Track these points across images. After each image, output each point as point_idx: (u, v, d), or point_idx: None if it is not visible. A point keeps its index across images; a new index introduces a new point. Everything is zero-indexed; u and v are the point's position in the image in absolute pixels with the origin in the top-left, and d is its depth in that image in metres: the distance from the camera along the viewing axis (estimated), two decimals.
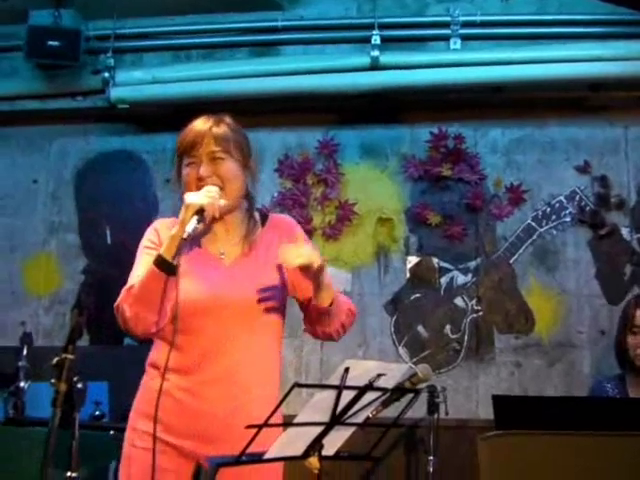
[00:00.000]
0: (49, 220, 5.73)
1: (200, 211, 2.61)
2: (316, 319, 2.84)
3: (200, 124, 2.82)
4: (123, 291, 2.65)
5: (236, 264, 2.81)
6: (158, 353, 2.75)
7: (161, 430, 2.62)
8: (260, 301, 2.75)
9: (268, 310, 2.79)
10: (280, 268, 2.82)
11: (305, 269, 2.64)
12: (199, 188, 2.71)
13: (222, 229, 2.84)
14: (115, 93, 5.36)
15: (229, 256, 2.80)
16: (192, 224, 2.59)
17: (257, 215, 2.95)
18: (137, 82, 5.40)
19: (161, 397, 2.60)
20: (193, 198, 2.64)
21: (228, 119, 2.88)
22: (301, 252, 2.65)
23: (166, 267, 2.58)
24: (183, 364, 2.68)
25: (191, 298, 2.66)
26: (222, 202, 2.70)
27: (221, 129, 2.81)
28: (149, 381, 2.76)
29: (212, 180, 2.73)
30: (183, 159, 2.81)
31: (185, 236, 2.57)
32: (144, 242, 2.83)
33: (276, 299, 2.81)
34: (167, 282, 2.59)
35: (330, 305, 2.77)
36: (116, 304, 2.65)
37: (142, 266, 2.71)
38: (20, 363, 4.43)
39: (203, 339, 2.68)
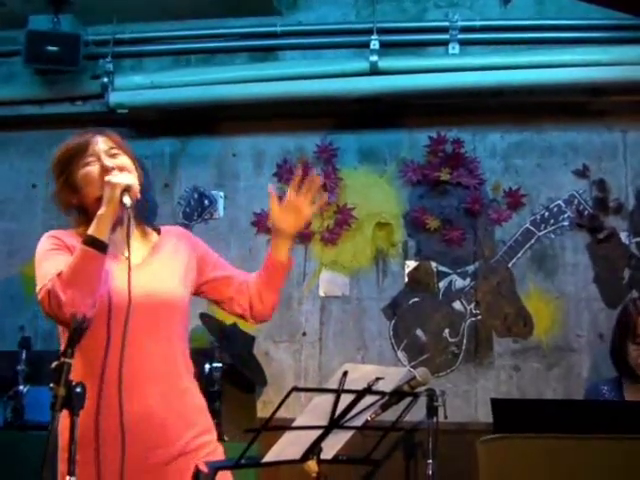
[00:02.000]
0: (48, 225, 5.67)
1: (127, 189, 2.63)
2: (266, 286, 2.96)
3: (82, 134, 2.85)
4: (51, 278, 2.54)
5: (145, 262, 2.79)
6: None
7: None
8: (179, 296, 2.77)
9: (184, 304, 2.81)
10: (194, 267, 2.90)
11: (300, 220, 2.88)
12: (103, 181, 2.69)
13: (120, 228, 2.75)
14: (114, 98, 5.37)
15: (134, 255, 2.70)
16: (128, 199, 2.61)
17: (146, 225, 2.95)
18: (136, 87, 5.41)
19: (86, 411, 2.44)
20: (117, 178, 2.65)
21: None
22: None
23: (99, 245, 2.55)
24: (100, 369, 2.61)
25: (114, 297, 2.63)
26: (138, 185, 2.72)
27: (109, 134, 2.85)
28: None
29: (115, 171, 2.72)
30: (75, 163, 2.78)
31: (129, 205, 2.60)
32: (45, 247, 2.75)
33: (188, 294, 2.84)
34: (102, 260, 2.57)
35: (286, 264, 2.97)
36: (44, 291, 2.54)
37: (57, 263, 2.62)
38: (19, 367, 4.45)
39: (118, 338, 2.59)
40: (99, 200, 2.65)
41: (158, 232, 2.95)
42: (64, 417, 2.33)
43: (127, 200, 2.61)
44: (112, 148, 2.79)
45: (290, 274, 5.23)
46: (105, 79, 5.37)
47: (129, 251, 2.62)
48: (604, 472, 2.45)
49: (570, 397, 4.91)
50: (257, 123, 5.50)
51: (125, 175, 2.69)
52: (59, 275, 2.54)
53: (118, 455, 2.49)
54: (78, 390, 2.19)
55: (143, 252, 2.83)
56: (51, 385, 2.20)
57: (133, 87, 5.41)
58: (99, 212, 2.61)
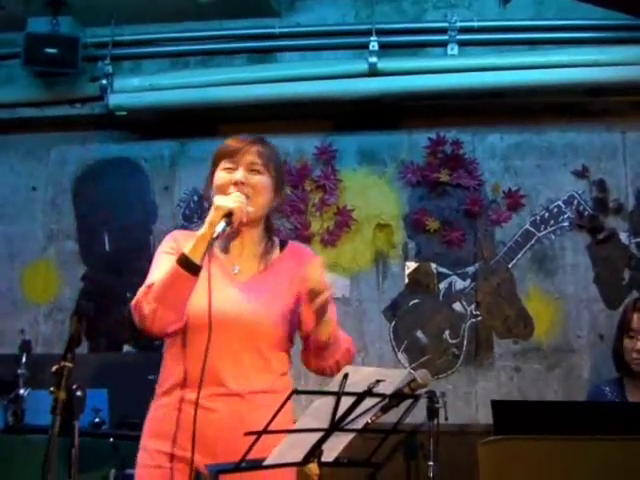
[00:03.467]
0: (48, 227, 5.74)
1: (229, 214, 2.64)
2: (313, 352, 2.86)
3: (244, 138, 2.89)
4: (142, 288, 2.66)
5: (251, 281, 2.82)
6: (166, 370, 2.79)
7: (172, 446, 2.64)
8: (270, 323, 2.77)
9: (276, 333, 2.80)
10: (296, 296, 2.83)
11: (314, 296, 2.65)
12: (228, 192, 2.75)
13: (238, 244, 2.86)
14: (113, 100, 5.37)
15: (244, 272, 2.82)
16: (221, 225, 2.62)
17: (276, 240, 2.98)
18: (135, 89, 5.41)
19: (172, 413, 2.66)
20: (222, 201, 2.67)
21: (271, 144, 2.95)
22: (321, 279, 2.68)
23: (190, 267, 2.59)
24: (191, 378, 2.68)
25: (201, 311, 2.66)
26: (250, 209, 2.74)
27: (266, 147, 2.89)
28: (158, 399, 2.78)
29: (243, 188, 2.76)
30: (220, 163, 2.85)
31: (215, 235, 2.61)
32: (163, 248, 2.85)
33: (285, 325, 2.82)
34: (192, 282, 2.61)
35: (327, 339, 2.77)
36: (134, 301, 2.65)
37: (161, 268, 2.71)
38: (19, 371, 4.43)
39: (210, 353, 2.63)
40: None
41: (282, 247, 2.97)
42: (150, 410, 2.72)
43: (220, 227, 2.62)
44: (257, 164, 2.82)
45: None
46: (104, 81, 5.37)
47: (209, 276, 2.65)
48: (605, 473, 2.45)
49: (571, 398, 4.91)
50: (256, 125, 5.47)
51: (234, 198, 2.70)
52: (149, 287, 2.63)
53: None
54: (78, 394, 2.18)
55: (251, 271, 2.85)
56: (51, 389, 2.20)
57: (132, 89, 5.41)
58: (199, 232, 2.64)
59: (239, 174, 2.78)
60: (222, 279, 2.75)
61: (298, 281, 2.80)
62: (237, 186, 2.76)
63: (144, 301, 2.61)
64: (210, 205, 2.77)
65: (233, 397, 2.70)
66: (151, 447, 2.73)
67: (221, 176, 2.82)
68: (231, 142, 2.88)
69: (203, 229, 2.63)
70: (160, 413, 2.74)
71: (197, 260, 2.60)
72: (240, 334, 2.71)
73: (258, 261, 2.88)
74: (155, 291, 2.61)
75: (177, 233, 2.93)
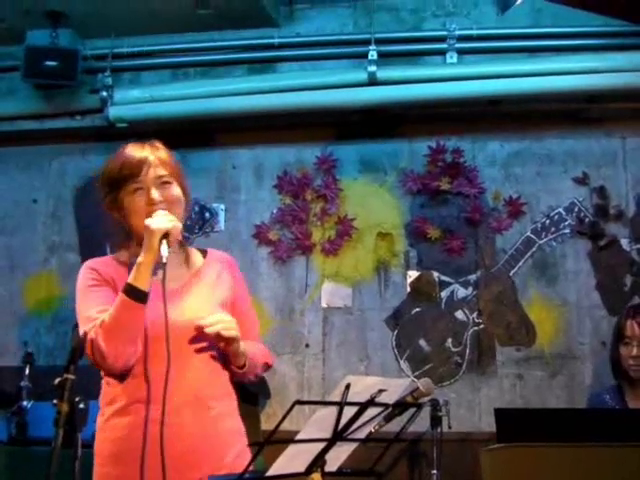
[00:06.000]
0: (49, 239, 5.74)
1: (166, 235, 2.57)
2: (233, 370, 2.80)
3: (138, 149, 2.77)
4: (94, 327, 2.54)
5: (185, 288, 2.77)
6: (113, 388, 2.69)
7: (141, 469, 2.56)
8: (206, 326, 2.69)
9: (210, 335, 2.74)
10: (228, 300, 2.83)
11: (219, 337, 2.62)
12: (148, 214, 2.64)
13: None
14: (113, 112, 5.38)
15: (174, 281, 2.71)
16: (165, 248, 2.55)
17: (192, 248, 2.94)
18: (135, 101, 5.42)
19: (135, 432, 2.58)
20: (156, 223, 2.58)
21: (160, 144, 2.85)
22: (221, 319, 2.65)
23: (139, 296, 2.53)
24: (144, 394, 2.62)
25: (146, 325, 2.60)
26: (179, 226, 2.66)
27: (163, 154, 2.79)
28: (112, 419, 2.68)
29: (161, 205, 2.67)
30: (124, 186, 2.71)
31: (165, 260, 2.53)
32: (85, 282, 2.72)
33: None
34: (143, 311, 2.55)
35: (242, 367, 2.76)
36: (88, 340, 2.53)
37: (97, 302, 2.63)
38: (22, 383, 4.43)
39: (161, 365, 2.55)
40: (141, 227, 2.62)
41: (204, 254, 2.92)
42: (101, 430, 2.62)
43: (164, 251, 2.55)
44: (163, 176, 2.72)
45: (292, 285, 5.28)
46: (104, 93, 5.39)
47: (164, 298, 2.53)
48: None
49: (573, 405, 4.91)
50: (256, 135, 5.50)
51: (165, 217, 2.61)
52: (101, 325, 2.53)
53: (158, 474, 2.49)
54: (81, 406, 2.18)
55: (184, 278, 2.80)
56: (54, 401, 2.20)
57: (132, 101, 5.42)
58: (138, 259, 2.57)
59: (154, 193, 2.68)
60: (155, 289, 2.62)
61: (232, 284, 2.86)
62: (154, 205, 2.66)
63: (99, 340, 2.51)
64: (123, 226, 2.74)
65: (198, 406, 2.65)
66: (114, 474, 2.63)
67: (134, 200, 2.69)
68: (126, 161, 2.73)
69: (143, 256, 2.56)
70: (120, 434, 2.63)
71: (144, 287, 2.54)
72: (191, 340, 2.65)
73: (184, 269, 2.82)
74: (108, 328, 2.52)
75: (91, 263, 2.78)
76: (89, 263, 2.80)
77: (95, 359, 2.56)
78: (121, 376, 2.65)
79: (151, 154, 2.75)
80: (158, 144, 2.84)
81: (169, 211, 2.66)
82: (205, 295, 2.78)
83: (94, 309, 2.61)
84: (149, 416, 2.58)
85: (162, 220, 2.60)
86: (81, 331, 2.58)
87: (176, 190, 2.75)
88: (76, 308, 2.71)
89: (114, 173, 2.74)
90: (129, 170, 2.71)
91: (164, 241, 2.57)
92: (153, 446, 2.53)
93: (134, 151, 2.77)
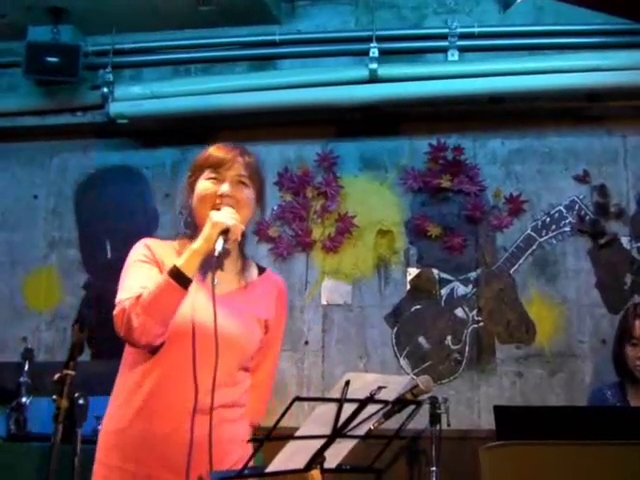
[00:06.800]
0: (50, 235, 5.75)
1: (226, 231, 2.59)
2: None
3: (228, 147, 2.82)
4: (130, 299, 2.56)
5: (230, 296, 2.77)
6: (137, 383, 2.69)
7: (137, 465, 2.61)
8: (246, 340, 2.75)
9: (249, 350, 2.79)
10: (265, 323, 2.85)
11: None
12: (213, 204, 2.69)
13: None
14: (114, 108, 5.38)
15: (222, 286, 2.71)
16: (220, 243, 2.56)
17: (252, 261, 2.96)
18: (136, 97, 5.42)
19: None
20: (219, 217, 2.61)
21: (255, 155, 2.89)
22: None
23: (182, 280, 2.54)
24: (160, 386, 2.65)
25: (180, 321, 2.61)
26: (242, 227, 2.69)
27: (250, 159, 2.82)
28: (124, 404, 2.70)
29: (229, 201, 2.70)
30: (203, 172, 2.78)
31: (217, 254, 2.54)
32: (137, 256, 2.77)
33: (256, 344, 2.82)
34: (182, 295, 2.56)
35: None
36: (119, 309, 2.57)
37: (141, 277, 2.66)
38: (22, 379, 4.43)
39: (184, 362, 2.57)
40: (203, 220, 2.65)
41: (261, 271, 2.95)
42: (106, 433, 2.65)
43: (219, 246, 2.56)
44: (243, 176, 2.76)
45: (292, 282, 5.28)
46: (105, 89, 5.38)
47: (214, 297, 2.54)
48: (608, 479, 2.44)
49: (573, 403, 4.91)
50: (257, 132, 5.50)
51: (230, 214, 2.64)
52: (138, 298, 2.55)
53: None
54: (81, 402, 2.18)
55: (230, 286, 2.81)
56: (54, 397, 2.20)
57: (133, 97, 5.42)
58: (192, 245, 2.60)
59: (226, 187, 2.72)
60: (201, 291, 2.66)
61: (274, 310, 2.89)
62: (223, 198, 2.71)
63: (132, 312, 2.53)
64: (191, 214, 2.78)
65: (204, 411, 2.61)
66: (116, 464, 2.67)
67: (206, 186, 2.75)
68: (216, 151, 2.81)
69: (198, 243, 2.58)
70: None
71: (190, 274, 2.55)
72: (217, 347, 2.60)
73: (237, 278, 2.84)
74: (144, 303, 2.53)
75: (149, 241, 2.84)
76: (146, 240, 2.86)
77: (122, 329, 2.56)
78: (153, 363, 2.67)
79: (239, 155, 2.79)
80: (250, 151, 2.87)
81: (236, 211, 2.69)
82: (247, 310, 2.79)
83: (137, 282, 2.63)
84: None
85: (226, 215, 2.63)
86: (117, 298, 2.62)
87: (248, 193, 2.78)
88: (120, 277, 2.73)
89: (201, 160, 2.83)
90: (214, 160, 2.78)
91: (222, 236, 2.58)
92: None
93: (225, 147, 2.83)
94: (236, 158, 2.77)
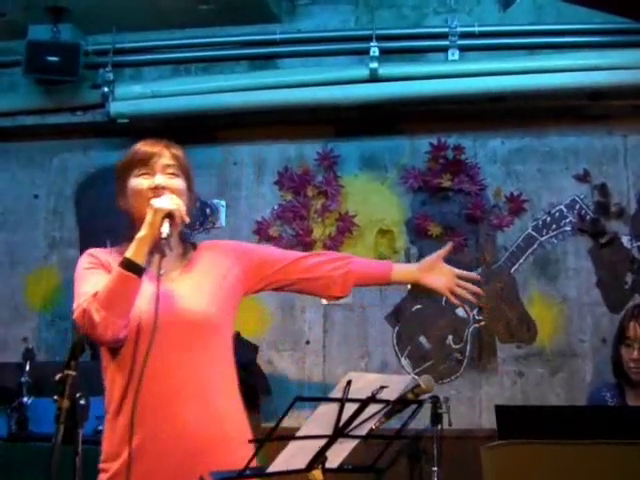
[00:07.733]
0: (50, 235, 5.74)
1: (169, 215, 2.63)
2: (362, 281, 3.39)
3: (151, 143, 2.88)
4: (87, 298, 2.58)
5: (180, 279, 2.80)
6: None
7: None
8: (210, 315, 2.75)
9: (218, 323, 2.79)
10: (224, 279, 2.87)
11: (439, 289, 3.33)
12: (150, 198, 2.71)
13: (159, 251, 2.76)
14: (115, 107, 5.37)
15: (169, 272, 2.77)
16: (166, 226, 2.61)
17: (189, 244, 2.98)
18: (136, 96, 5.41)
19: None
20: (160, 202, 2.65)
21: (179, 146, 2.93)
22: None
23: (134, 269, 2.57)
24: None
25: (143, 316, 2.63)
26: (184, 208, 2.71)
27: (176, 149, 2.88)
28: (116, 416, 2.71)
29: (165, 192, 2.74)
30: (132, 172, 2.81)
31: (164, 236, 2.59)
32: (83, 265, 2.79)
33: (224, 312, 2.82)
34: (137, 284, 2.58)
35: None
36: (79, 311, 2.58)
37: (92, 281, 2.67)
38: (23, 379, 4.43)
39: (156, 357, 2.59)
40: (143, 216, 2.67)
41: (194, 248, 2.96)
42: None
43: (165, 229, 2.60)
44: (172, 167, 2.82)
45: None
46: (105, 89, 5.37)
47: (158, 279, 2.61)
48: (609, 477, 2.44)
49: (574, 402, 4.90)
50: (257, 131, 5.50)
51: (170, 200, 2.68)
52: (94, 296, 2.57)
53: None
54: (82, 402, 2.18)
55: (177, 271, 2.83)
56: (55, 397, 2.19)
57: (133, 96, 5.42)
58: (138, 234, 2.63)
59: (160, 178, 2.76)
60: (151, 281, 2.67)
61: (231, 264, 2.90)
62: (156, 190, 2.73)
63: (92, 309, 2.54)
64: (130, 217, 2.81)
65: (195, 400, 2.67)
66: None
67: (139, 182, 2.79)
68: (142, 147, 2.86)
69: (143, 231, 2.61)
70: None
71: (140, 261, 2.58)
72: (190, 331, 2.68)
73: (180, 261, 2.86)
74: (102, 298, 2.55)
75: (92, 250, 2.87)
76: (88, 250, 2.89)
77: (85, 328, 2.56)
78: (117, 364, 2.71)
79: (164, 148, 2.85)
80: (172, 143, 2.92)
81: None
82: (196, 286, 2.80)
83: (89, 287, 2.64)
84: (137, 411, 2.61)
85: (167, 201, 2.67)
86: (74, 306, 2.62)
87: (180, 182, 2.82)
88: (74, 291, 2.73)
89: (126, 161, 2.87)
90: (140, 157, 2.83)
91: (166, 220, 2.62)
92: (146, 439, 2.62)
93: (148, 144, 2.89)
94: (162, 151, 2.83)
